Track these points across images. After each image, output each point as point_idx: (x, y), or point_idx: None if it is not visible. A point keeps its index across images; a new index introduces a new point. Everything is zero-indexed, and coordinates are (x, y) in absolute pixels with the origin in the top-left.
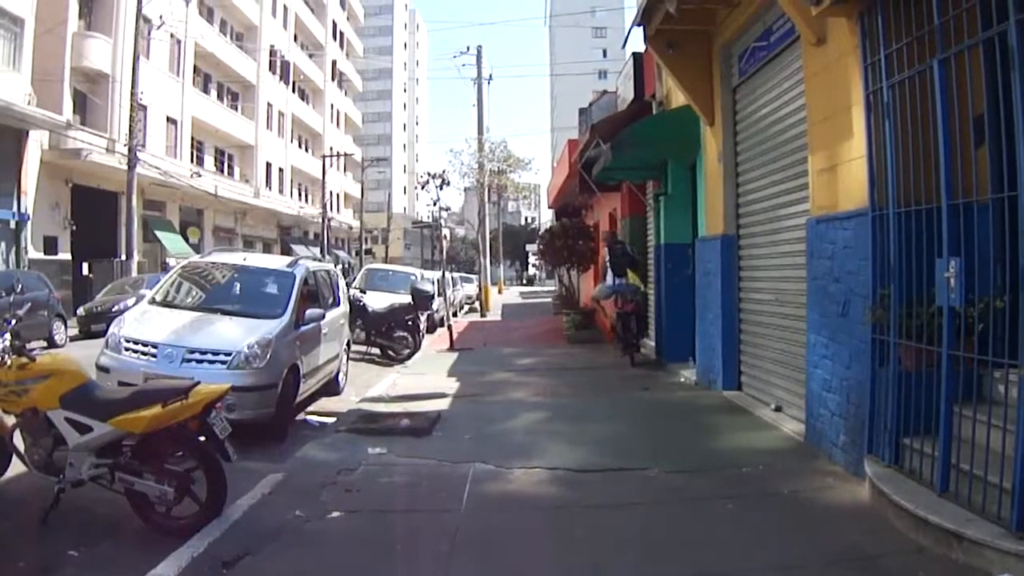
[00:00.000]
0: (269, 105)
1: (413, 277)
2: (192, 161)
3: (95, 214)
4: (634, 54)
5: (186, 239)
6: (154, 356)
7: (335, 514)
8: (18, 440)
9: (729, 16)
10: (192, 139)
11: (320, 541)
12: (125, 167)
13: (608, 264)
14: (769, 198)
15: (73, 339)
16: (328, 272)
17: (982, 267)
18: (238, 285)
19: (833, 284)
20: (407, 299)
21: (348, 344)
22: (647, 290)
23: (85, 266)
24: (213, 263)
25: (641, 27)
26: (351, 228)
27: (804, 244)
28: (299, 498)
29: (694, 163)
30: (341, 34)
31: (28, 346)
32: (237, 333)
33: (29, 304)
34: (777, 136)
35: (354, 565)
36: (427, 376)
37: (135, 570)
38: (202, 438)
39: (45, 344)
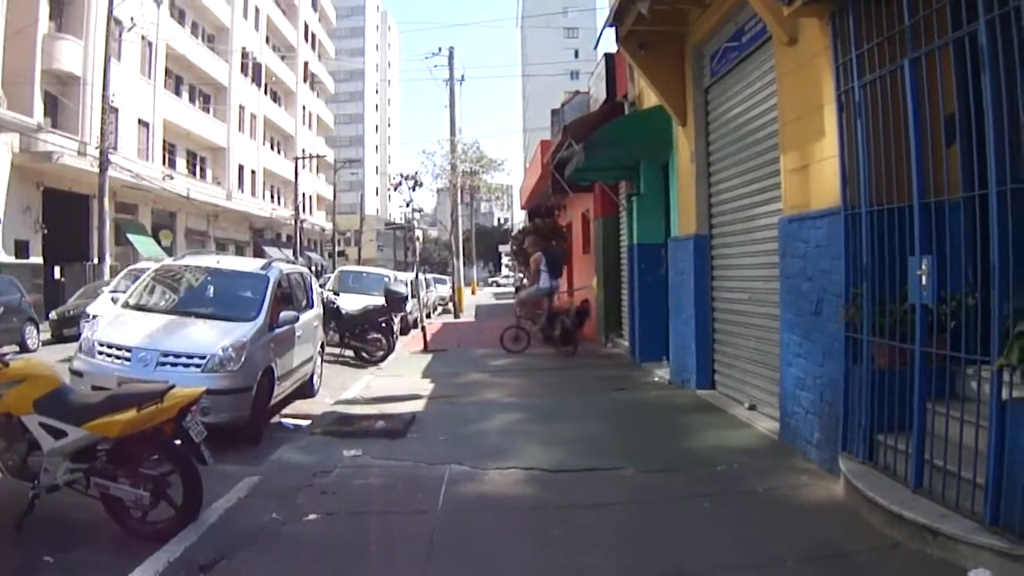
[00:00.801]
0: (241, 107)
1: (386, 279)
2: (164, 164)
3: (67, 217)
4: (606, 55)
5: (158, 242)
6: (128, 360)
7: (311, 516)
8: None
9: (701, 17)
10: (164, 142)
11: (297, 544)
12: (97, 170)
13: (544, 267)
14: (741, 198)
15: (45, 343)
16: (301, 274)
17: (954, 265)
18: (211, 288)
19: (806, 283)
20: (380, 301)
21: (322, 346)
22: (622, 290)
23: (57, 270)
24: (186, 266)
25: (613, 28)
26: (324, 230)
27: (777, 243)
28: (275, 501)
29: (667, 163)
30: (313, 36)
31: (0, 351)
32: (211, 336)
33: (1, 308)
34: (749, 136)
35: (331, 567)
36: (401, 378)
37: (111, 575)
38: (177, 442)
39: (17, 348)
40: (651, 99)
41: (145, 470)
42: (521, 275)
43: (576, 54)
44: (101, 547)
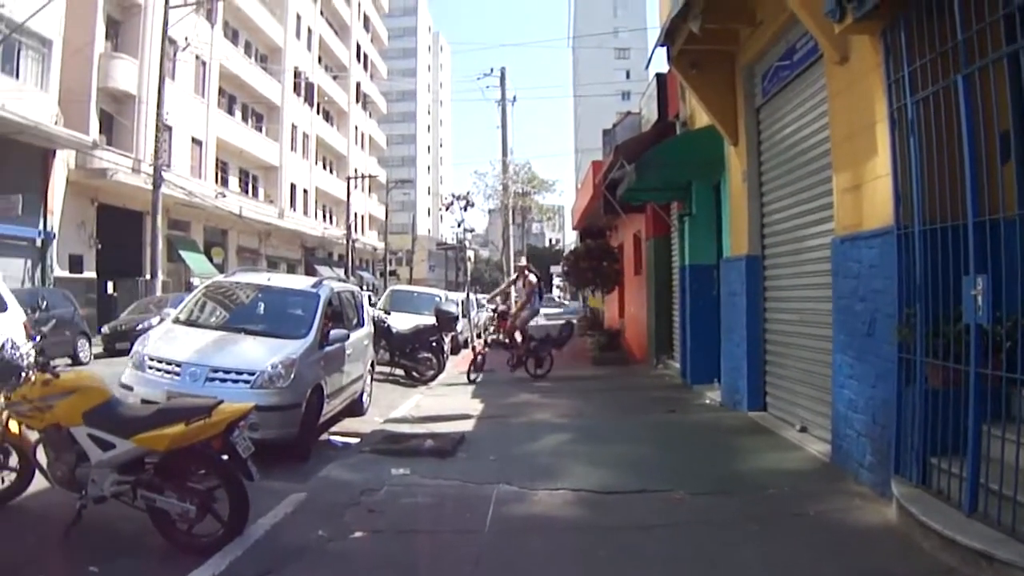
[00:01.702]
0: (294, 127)
1: (437, 298)
2: (217, 181)
3: (120, 233)
4: (657, 75)
5: (210, 259)
6: (178, 375)
7: (358, 534)
8: (41, 456)
9: (752, 36)
10: (217, 160)
11: (342, 561)
12: (150, 187)
13: (537, 291)
14: (794, 218)
15: (97, 357)
16: (353, 293)
17: (1010, 284)
18: (262, 305)
19: (858, 303)
20: (431, 320)
21: (372, 365)
22: (673, 312)
23: (110, 285)
24: (237, 283)
25: (664, 48)
26: (375, 249)
27: (829, 264)
28: (322, 518)
29: (718, 183)
30: (365, 56)
31: (52, 363)
32: (261, 353)
33: (54, 321)
34: (801, 155)
35: None
36: (451, 397)
37: None
38: (225, 457)
39: (70, 361)
40: (702, 119)
41: (192, 484)
42: (495, 301)
43: (628, 75)
44: (146, 559)
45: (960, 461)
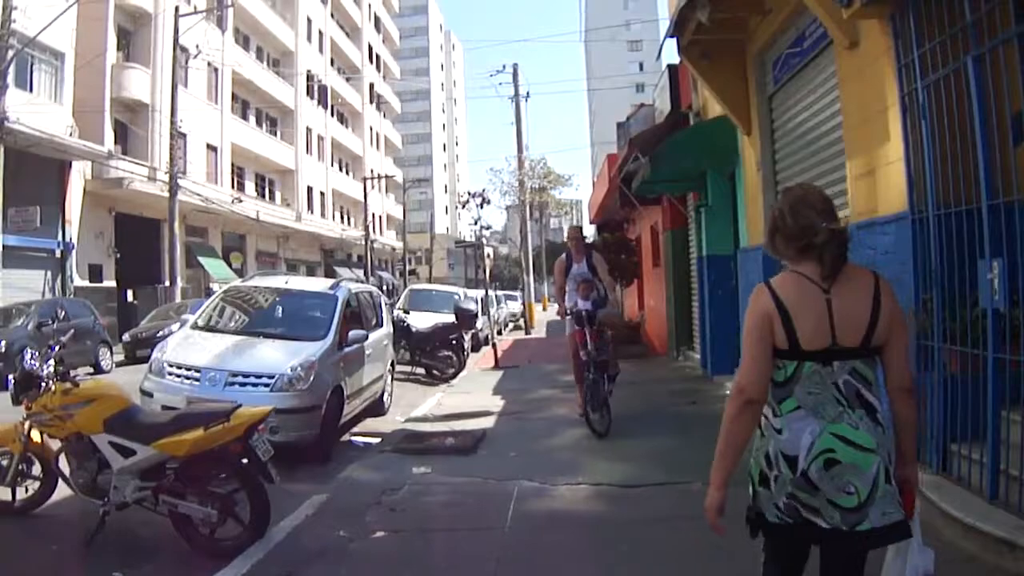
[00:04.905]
0: (308, 130)
1: (456, 296)
2: (233, 187)
3: (139, 241)
4: (669, 66)
5: (229, 264)
6: (197, 380)
7: (379, 534)
8: (64, 464)
9: (761, 24)
10: (232, 165)
11: (364, 561)
12: (167, 195)
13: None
14: None
15: (119, 364)
16: (371, 293)
17: None
18: (280, 308)
19: None
20: (451, 318)
21: (392, 364)
22: (692, 303)
23: (130, 293)
24: (255, 287)
25: (674, 38)
26: (394, 249)
27: None
28: (343, 518)
29: (733, 173)
30: (377, 57)
31: (74, 372)
32: (280, 356)
33: (72, 331)
34: (814, 142)
35: None
36: (472, 395)
37: None
38: (245, 460)
39: (92, 370)
40: (715, 109)
41: (213, 488)
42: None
43: (641, 67)
44: (169, 563)
45: (980, 447)
